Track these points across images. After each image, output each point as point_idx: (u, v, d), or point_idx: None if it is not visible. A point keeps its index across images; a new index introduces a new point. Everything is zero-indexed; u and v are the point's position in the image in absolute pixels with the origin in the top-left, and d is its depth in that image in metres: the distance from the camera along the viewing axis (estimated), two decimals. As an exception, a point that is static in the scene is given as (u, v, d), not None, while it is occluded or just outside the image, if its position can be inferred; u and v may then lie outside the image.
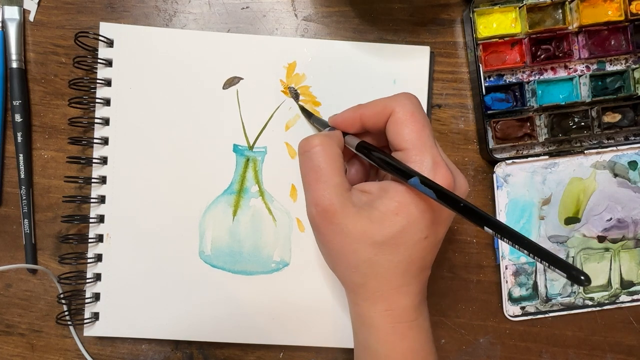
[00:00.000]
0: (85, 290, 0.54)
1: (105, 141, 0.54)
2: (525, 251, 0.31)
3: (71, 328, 0.55)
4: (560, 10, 0.54)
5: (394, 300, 0.41)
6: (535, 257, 0.30)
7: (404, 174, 0.38)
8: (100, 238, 0.54)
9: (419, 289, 0.42)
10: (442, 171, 0.39)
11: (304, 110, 0.54)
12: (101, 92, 0.54)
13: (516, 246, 0.31)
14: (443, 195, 0.36)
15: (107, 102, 0.54)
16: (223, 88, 0.54)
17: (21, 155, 0.54)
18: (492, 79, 0.55)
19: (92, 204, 0.54)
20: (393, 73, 0.54)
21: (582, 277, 0.28)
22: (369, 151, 0.42)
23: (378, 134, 0.44)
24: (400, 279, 0.41)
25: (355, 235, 0.39)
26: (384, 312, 0.41)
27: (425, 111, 0.55)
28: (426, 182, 0.36)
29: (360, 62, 0.54)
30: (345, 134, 0.45)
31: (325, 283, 0.54)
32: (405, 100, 0.41)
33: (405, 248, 0.39)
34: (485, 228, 0.33)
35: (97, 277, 0.54)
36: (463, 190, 0.42)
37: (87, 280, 0.54)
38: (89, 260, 0.54)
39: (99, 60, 0.54)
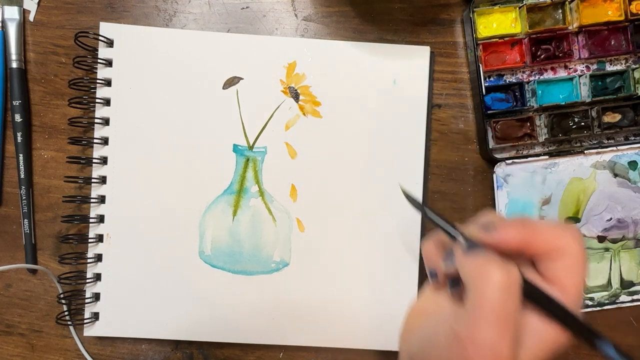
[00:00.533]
0: (85, 290, 0.54)
1: (105, 141, 0.54)
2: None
3: (71, 328, 0.55)
4: (560, 10, 0.54)
5: None
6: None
7: (589, 335, 0.33)
8: (100, 238, 0.54)
9: None
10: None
11: (409, 197, 0.42)
12: (101, 92, 0.54)
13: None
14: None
15: (107, 102, 0.54)
16: (223, 88, 0.54)
17: (21, 155, 0.55)
18: (492, 79, 0.55)
19: (92, 204, 0.54)
20: (393, 73, 0.54)
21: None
22: (539, 297, 0.34)
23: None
24: None
25: None
26: None
27: (426, 111, 0.55)
28: (624, 353, 0.32)
29: (361, 62, 0.54)
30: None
31: (325, 283, 0.54)
32: (579, 240, 0.35)
33: None
34: None
35: (97, 277, 0.54)
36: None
37: (87, 280, 0.54)
38: (89, 260, 0.54)
39: (99, 60, 0.54)
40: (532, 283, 0.34)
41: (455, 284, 0.37)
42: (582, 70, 0.55)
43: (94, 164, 0.54)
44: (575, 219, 0.56)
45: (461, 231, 0.37)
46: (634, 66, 0.54)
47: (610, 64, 0.55)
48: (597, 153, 0.55)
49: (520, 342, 0.33)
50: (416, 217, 0.55)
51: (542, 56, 0.54)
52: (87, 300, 0.54)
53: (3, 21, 0.54)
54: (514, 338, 0.32)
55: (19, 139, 0.54)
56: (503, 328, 0.32)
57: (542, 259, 0.35)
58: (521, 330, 0.34)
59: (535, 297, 0.34)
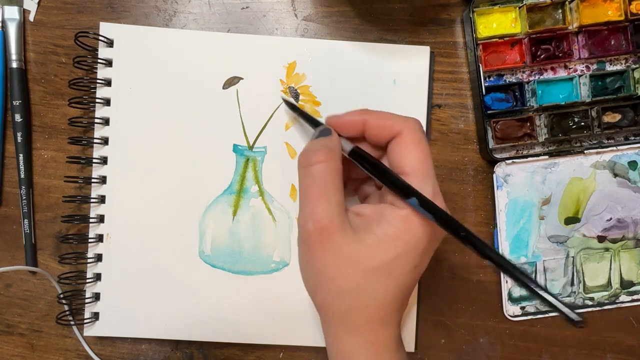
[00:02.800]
0: (85, 290, 0.54)
1: (105, 141, 0.54)
2: (525, 289, 0.32)
3: (74, 328, 0.55)
4: (560, 10, 0.54)
5: (378, 331, 0.40)
6: (533, 294, 0.31)
7: (403, 191, 0.37)
8: (100, 238, 0.54)
9: (400, 321, 0.41)
10: (440, 202, 0.38)
11: (288, 104, 0.53)
12: (101, 92, 0.54)
13: (516, 282, 0.32)
14: (443, 220, 0.35)
15: (107, 102, 0.54)
16: (223, 88, 0.54)
17: (21, 155, 0.55)
18: (492, 79, 0.55)
19: (92, 204, 0.54)
20: (393, 73, 0.54)
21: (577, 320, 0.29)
22: (364, 160, 0.40)
23: (371, 147, 0.43)
24: (386, 308, 0.39)
25: (349, 258, 0.38)
26: (367, 344, 0.40)
27: (426, 111, 0.55)
28: (427, 204, 0.36)
29: (360, 62, 0.54)
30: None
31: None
32: (415, 125, 0.40)
33: (396, 276, 0.38)
34: (487, 262, 0.33)
35: (97, 277, 0.54)
36: None
37: (87, 280, 0.54)
38: (89, 260, 0.54)
39: (99, 60, 0.54)
40: (358, 148, 0.41)
41: None
42: (582, 70, 0.55)
43: (94, 164, 0.54)
44: (575, 218, 0.56)
45: (317, 120, 0.47)
46: (634, 66, 0.54)
47: (610, 64, 0.55)
48: (597, 153, 0.55)
49: (370, 228, 0.38)
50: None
51: (542, 56, 0.54)
52: (87, 300, 0.54)
53: (3, 21, 0.54)
54: (335, 205, 0.38)
55: (19, 139, 0.54)
56: (318, 195, 0.39)
57: (380, 139, 0.41)
58: (375, 217, 0.39)
59: (361, 161, 0.41)
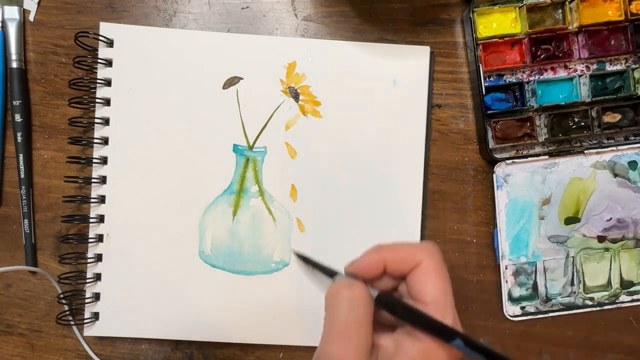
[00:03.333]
0: (85, 290, 0.54)
1: (105, 141, 0.54)
2: None
3: (74, 328, 0.55)
4: (560, 10, 0.54)
5: None
6: None
7: (444, 333, 0.35)
8: (100, 238, 0.54)
9: None
10: (458, 328, 0.37)
11: (299, 256, 0.46)
12: (101, 92, 0.54)
13: None
14: (491, 356, 0.34)
15: (107, 102, 0.54)
16: (223, 88, 0.54)
17: (21, 155, 0.55)
18: (492, 79, 0.55)
19: (92, 204, 0.54)
20: (393, 73, 0.54)
21: None
22: (393, 304, 0.38)
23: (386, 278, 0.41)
24: None
25: None
26: None
27: (425, 111, 0.55)
28: (472, 344, 0.34)
29: (360, 62, 0.54)
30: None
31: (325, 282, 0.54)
32: (434, 252, 0.39)
33: None
34: None
35: (97, 277, 0.54)
36: None
37: (87, 280, 0.54)
38: (89, 260, 0.54)
39: (99, 60, 0.54)
40: (385, 293, 0.38)
41: None
42: (582, 70, 0.55)
43: (94, 164, 0.54)
44: (575, 218, 0.56)
45: (334, 270, 0.42)
46: (634, 66, 0.54)
47: (610, 64, 0.55)
48: (597, 153, 0.55)
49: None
50: (417, 213, 0.55)
51: (542, 56, 0.54)
52: (87, 300, 0.54)
53: (3, 21, 0.54)
54: (361, 347, 0.36)
55: (19, 139, 0.54)
56: (346, 338, 0.36)
57: (401, 273, 0.39)
58: (393, 350, 0.37)
59: (390, 307, 0.37)
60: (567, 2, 0.53)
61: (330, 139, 0.54)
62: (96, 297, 0.54)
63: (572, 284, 0.56)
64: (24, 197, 0.55)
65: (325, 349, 0.37)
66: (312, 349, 0.56)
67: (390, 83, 0.54)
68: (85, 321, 0.54)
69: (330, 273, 0.43)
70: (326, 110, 0.54)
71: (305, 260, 0.47)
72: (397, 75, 0.54)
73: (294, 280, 0.54)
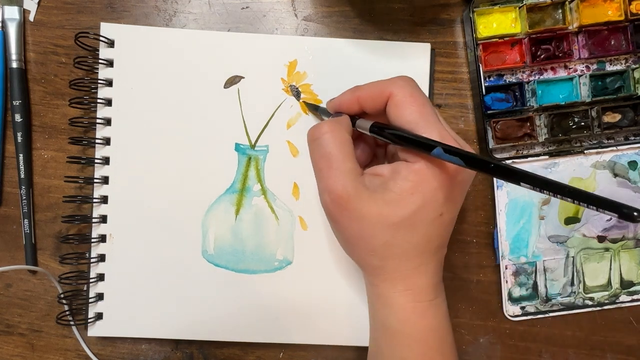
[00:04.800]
0: (85, 290, 0.54)
1: (107, 141, 0.54)
2: (570, 199, 0.30)
3: (74, 328, 0.55)
4: (560, 10, 0.54)
5: (413, 280, 0.42)
6: (582, 203, 0.29)
7: (425, 146, 0.38)
8: (102, 238, 0.54)
9: (436, 268, 0.43)
10: (453, 142, 0.39)
11: (308, 105, 0.54)
12: (102, 92, 0.54)
13: (558, 196, 0.30)
14: (471, 160, 0.35)
15: (108, 102, 0.54)
16: (224, 87, 0.54)
17: (21, 155, 0.54)
18: (492, 79, 0.55)
19: (94, 204, 0.54)
20: (394, 70, 0.54)
21: (635, 214, 0.27)
22: (382, 130, 0.42)
23: (376, 116, 0.44)
24: (418, 258, 0.41)
25: (372, 219, 0.40)
26: (404, 292, 0.42)
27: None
28: (451, 150, 0.36)
29: (361, 60, 0.54)
30: (355, 118, 0.45)
31: (329, 281, 0.54)
32: (402, 82, 0.42)
33: (422, 227, 0.40)
34: (522, 184, 0.32)
35: (100, 277, 0.54)
36: None
37: (90, 280, 0.54)
38: (92, 260, 0.54)
39: (100, 61, 0.54)
40: (376, 122, 0.42)
41: None
42: (582, 70, 0.55)
43: (96, 164, 0.54)
44: (575, 218, 0.56)
45: (324, 109, 0.50)
46: (634, 66, 0.54)
47: (610, 64, 0.55)
48: (597, 153, 0.55)
49: (393, 184, 0.40)
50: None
51: (542, 56, 0.54)
52: (90, 300, 0.54)
53: (3, 21, 0.54)
54: (347, 172, 0.40)
55: (19, 139, 0.54)
56: (333, 168, 0.41)
57: (377, 107, 0.43)
58: (390, 175, 0.41)
59: (380, 133, 0.42)
60: (567, 2, 0.53)
61: (332, 138, 0.54)
62: (99, 297, 0.54)
63: (572, 284, 0.56)
64: (24, 197, 0.55)
65: (319, 189, 0.42)
66: (312, 349, 0.56)
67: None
68: (88, 321, 0.54)
69: (329, 114, 0.49)
70: (327, 109, 0.54)
71: (314, 107, 0.54)
72: (398, 72, 0.54)
73: (298, 279, 0.54)
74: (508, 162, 0.54)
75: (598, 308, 0.56)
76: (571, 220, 0.56)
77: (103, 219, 0.54)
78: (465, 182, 0.42)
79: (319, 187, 0.42)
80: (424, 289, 0.42)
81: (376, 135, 0.42)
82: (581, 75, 0.54)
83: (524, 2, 0.53)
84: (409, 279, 0.42)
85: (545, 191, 0.31)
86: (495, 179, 0.55)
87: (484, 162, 0.35)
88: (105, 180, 0.54)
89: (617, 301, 0.56)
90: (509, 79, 0.55)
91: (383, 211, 0.39)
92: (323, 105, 0.53)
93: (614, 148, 0.55)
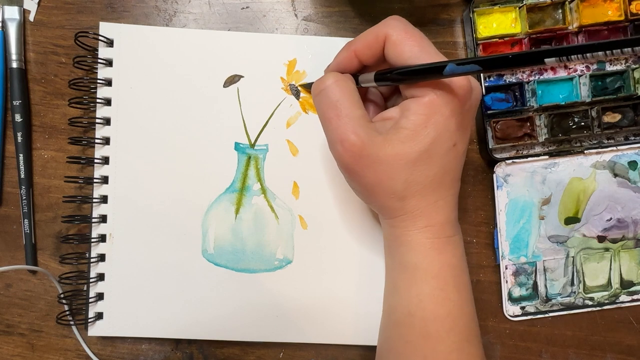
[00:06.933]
0: (85, 290, 0.54)
1: (106, 141, 0.54)
2: (601, 52, 0.29)
3: (74, 328, 0.55)
4: (560, 10, 0.54)
5: (431, 215, 0.42)
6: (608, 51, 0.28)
7: (435, 70, 0.37)
8: (102, 238, 0.54)
9: (453, 203, 0.44)
10: None
11: (306, 85, 0.54)
12: (102, 92, 0.54)
13: (588, 55, 0.29)
14: (487, 62, 0.35)
15: (107, 102, 0.54)
16: (224, 86, 0.54)
17: (21, 155, 0.54)
18: (492, 78, 0.55)
19: (94, 204, 0.54)
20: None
21: None
22: (387, 74, 0.41)
23: (376, 67, 0.44)
24: (436, 193, 0.42)
25: (390, 162, 0.40)
26: (424, 229, 0.42)
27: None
28: (464, 61, 0.36)
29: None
30: (356, 75, 0.45)
31: (329, 280, 0.54)
32: (395, 22, 0.42)
33: (438, 159, 0.40)
34: (546, 60, 0.31)
35: (100, 277, 0.54)
36: (477, 85, 0.42)
37: (90, 280, 0.54)
38: (91, 260, 0.54)
39: (99, 60, 0.54)
40: (379, 70, 0.42)
41: None
42: (582, 70, 0.55)
43: (95, 164, 0.54)
44: (575, 219, 0.56)
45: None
46: (634, 66, 0.54)
47: (610, 64, 0.55)
48: (597, 153, 0.55)
49: (400, 125, 0.40)
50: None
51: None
52: (90, 300, 0.54)
53: (3, 21, 0.54)
54: (357, 118, 0.40)
55: (19, 139, 0.54)
56: (342, 116, 0.40)
57: (376, 55, 0.42)
58: (399, 115, 0.41)
59: (386, 78, 0.41)
60: (567, 2, 0.53)
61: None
62: (99, 296, 0.54)
63: (572, 284, 0.56)
64: (24, 197, 0.55)
65: (330, 141, 0.42)
66: (312, 349, 0.56)
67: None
68: (88, 321, 0.54)
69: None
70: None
71: (308, 85, 0.53)
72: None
73: (298, 278, 0.54)
74: (508, 162, 0.54)
75: (598, 308, 0.56)
76: (571, 220, 0.56)
77: (103, 218, 0.54)
78: (474, 108, 0.42)
79: (329, 139, 0.42)
80: (443, 225, 0.43)
81: (381, 83, 0.42)
82: (581, 75, 0.54)
83: (524, 2, 0.53)
84: (428, 215, 0.42)
85: (573, 56, 0.30)
86: (495, 179, 0.54)
87: (501, 58, 0.34)
88: (104, 180, 0.54)
89: (617, 301, 0.56)
90: (509, 79, 0.55)
91: (400, 150, 0.39)
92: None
93: (614, 148, 0.55)
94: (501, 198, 0.55)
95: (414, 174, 0.40)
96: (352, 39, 0.44)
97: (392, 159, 0.40)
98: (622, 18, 0.53)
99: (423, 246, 0.43)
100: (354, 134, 0.40)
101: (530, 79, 0.55)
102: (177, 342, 0.56)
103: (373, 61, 0.43)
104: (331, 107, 0.41)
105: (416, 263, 0.43)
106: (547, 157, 0.55)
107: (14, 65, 0.54)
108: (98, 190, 0.54)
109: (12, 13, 0.55)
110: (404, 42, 0.40)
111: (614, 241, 0.56)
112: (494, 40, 0.54)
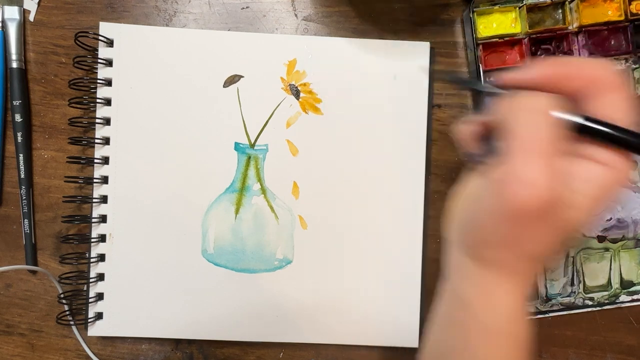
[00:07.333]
0: (85, 290, 0.54)
1: (106, 141, 0.54)
2: None
3: (74, 328, 0.55)
4: (560, 10, 0.54)
5: (531, 280, 0.37)
6: None
7: None
8: (102, 238, 0.54)
9: None
10: None
11: (455, 78, 0.52)
12: (102, 92, 0.54)
13: None
14: None
15: (107, 102, 0.54)
16: (224, 86, 0.54)
17: (21, 155, 0.54)
18: (492, 79, 0.55)
19: (94, 204, 0.54)
20: (393, 69, 0.54)
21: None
22: (598, 125, 0.33)
23: None
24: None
25: (557, 227, 0.33)
26: (520, 290, 0.36)
27: (426, 107, 0.55)
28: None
29: (361, 59, 0.54)
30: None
31: (329, 280, 0.54)
32: (610, 71, 0.33)
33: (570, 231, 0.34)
34: None
35: (100, 276, 0.54)
36: None
37: (90, 280, 0.54)
38: (92, 260, 0.54)
39: (99, 60, 0.54)
40: (571, 110, 0.33)
41: (491, 150, 0.35)
42: (581, 70, 0.55)
43: (95, 164, 0.54)
44: (575, 218, 0.56)
45: (493, 81, 0.37)
46: (634, 66, 0.54)
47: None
48: (597, 153, 0.55)
49: (573, 188, 0.32)
50: (418, 212, 0.55)
51: (542, 56, 0.54)
52: (90, 300, 0.54)
53: (3, 21, 0.54)
54: (553, 168, 0.31)
55: (19, 139, 0.54)
56: (538, 156, 0.31)
57: (581, 97, 0.33)
58: (573, 176, 0.33)
59: (590, 129, 0.32)
60: (567, 2, 0.53)
61: (331, 136, 0.54)
62: (99, 296, 0.54)
63: (572, 284, 0.56)
64: (24, 197, 0.55)
65: (511, 169, 0.31)
66: (312, 349, 0.56)
67: (391, 79, 0.54)
68: (88, 321, 0.54)
69: (486, 85, 0.39)
70: (327, 107, 0.54)
71: (462, 81, 0.50)
72: (397, 71, 0.54)
73: (297, 278, 0.54)
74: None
75: (598, 308, 0.56)
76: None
77: (103, 218, 0.54)
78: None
79: (513, 168, 0.31)
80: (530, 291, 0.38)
81: (584, 133, 0.33)
82: (581, 75, 0.54)
83: (524, 2, 0.53)
84: (530, 280, 0.36)
85: None
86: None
87: None
88: (104, 180, 0.54)
89: (617, 301, 0.56)
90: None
91: (572, 217, 0.33)
92: (322, 107, 0.53)
93: (614, 148, 0.55)
94: (501, 198, 0.55)
95: (555, 243, 0.34)
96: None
97: (562, 224, 0.33)
98: (622, 18, 0.53)
99: (515, 310, 0.37)
100: (549, 187, 0.31)
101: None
102: (177, 342, 0.56)
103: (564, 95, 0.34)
104: (537, 140, 0.31)
105: (503, 327, 0.37)
106: (547, 157, 0.55)
107: (14, 65, 0.54)
108: (98, 190, 0.54)
109: (12, 13, 0.55)
110: (617, 100, 0.33)
111: (614, 241, 0.56)
112: (494, 40, 0.54)
